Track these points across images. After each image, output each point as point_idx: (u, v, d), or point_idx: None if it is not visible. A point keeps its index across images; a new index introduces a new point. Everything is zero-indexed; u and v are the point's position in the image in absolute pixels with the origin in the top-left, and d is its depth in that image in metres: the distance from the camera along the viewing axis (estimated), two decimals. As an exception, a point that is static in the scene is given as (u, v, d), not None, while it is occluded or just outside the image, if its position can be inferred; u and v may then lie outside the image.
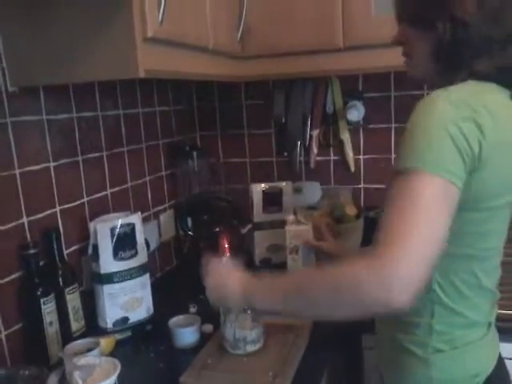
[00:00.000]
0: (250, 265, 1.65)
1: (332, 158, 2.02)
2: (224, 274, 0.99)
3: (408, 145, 0.81)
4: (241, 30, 1.52)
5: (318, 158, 2.02)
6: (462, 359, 0.95)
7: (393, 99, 1.89)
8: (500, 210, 0.92)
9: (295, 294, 0.85)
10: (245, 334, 1.17)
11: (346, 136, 1.95)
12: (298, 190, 1.97)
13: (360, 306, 0.78)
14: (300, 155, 2.02)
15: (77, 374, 0.91)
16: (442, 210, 0.78)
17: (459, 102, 0.82)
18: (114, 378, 0.94)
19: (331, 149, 2.01)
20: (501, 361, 1.03)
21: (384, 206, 0.80)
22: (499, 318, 1.08)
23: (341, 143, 1.97)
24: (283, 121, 2.00)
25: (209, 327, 1.32)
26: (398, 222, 0.76)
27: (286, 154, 2.04)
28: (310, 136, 1.99)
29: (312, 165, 2.02)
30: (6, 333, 1.16)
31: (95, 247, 1.31)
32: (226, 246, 1.60)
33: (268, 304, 0.90)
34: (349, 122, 1.94)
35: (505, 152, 0.86)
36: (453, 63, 0.91)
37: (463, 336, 0.96)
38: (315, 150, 2.00)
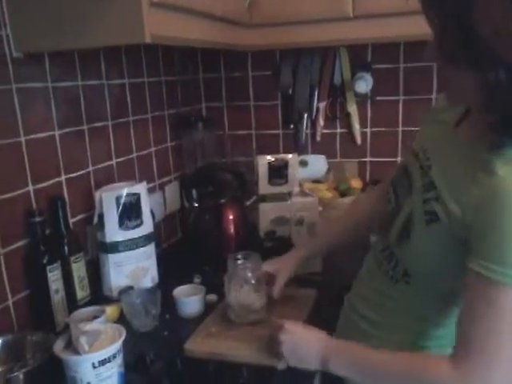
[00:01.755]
0: (254, 237, 1.66)
1: (338, 130, 2.00)
2: (302, 336, 1.00)
3: (494, 249, 0.76)
4: (249, -3, 1.49)
5: (325, 131, 2.00)
6: None
7: (402, 71, 1.86)
8: None
9: (372, 375, 0.91)
10: (248, 304, 1.18)
11: (353, 108, 1.93)
12: (303, 163, 1.97)
13: None
14: (306, 128, 2.01)
15: (83, 339, 0.92)
16: None
17: None
18: (119, 343, 0.95)
19: (338, 121, 1.99)
20: None
21: (466, 309, 0.81)
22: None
23: (347, 116, 1.95)
24: (290, 92, 1.98)
25: (213, 297, 1.33)
26: (485, 342, 0.77)
27: (292, 126, 2.02)
28: (317, 108, 1.97)
29: (318, 137, 2.00)
30: (13, 300, 1.17)
31: (101, 216, 1.31)
32: (231, 217, 1.61)
33: (342, 372, 0.94)
34: (356, 94, 1.91)
35: None
36: (509, 112, 0.75)
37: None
38: (322, 123, 1.98)
